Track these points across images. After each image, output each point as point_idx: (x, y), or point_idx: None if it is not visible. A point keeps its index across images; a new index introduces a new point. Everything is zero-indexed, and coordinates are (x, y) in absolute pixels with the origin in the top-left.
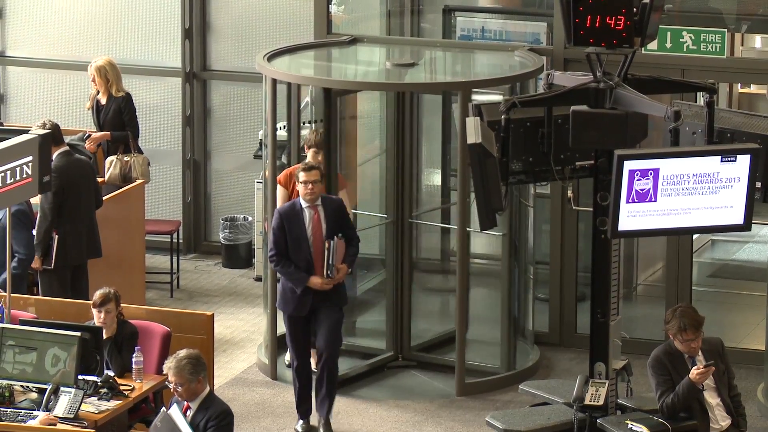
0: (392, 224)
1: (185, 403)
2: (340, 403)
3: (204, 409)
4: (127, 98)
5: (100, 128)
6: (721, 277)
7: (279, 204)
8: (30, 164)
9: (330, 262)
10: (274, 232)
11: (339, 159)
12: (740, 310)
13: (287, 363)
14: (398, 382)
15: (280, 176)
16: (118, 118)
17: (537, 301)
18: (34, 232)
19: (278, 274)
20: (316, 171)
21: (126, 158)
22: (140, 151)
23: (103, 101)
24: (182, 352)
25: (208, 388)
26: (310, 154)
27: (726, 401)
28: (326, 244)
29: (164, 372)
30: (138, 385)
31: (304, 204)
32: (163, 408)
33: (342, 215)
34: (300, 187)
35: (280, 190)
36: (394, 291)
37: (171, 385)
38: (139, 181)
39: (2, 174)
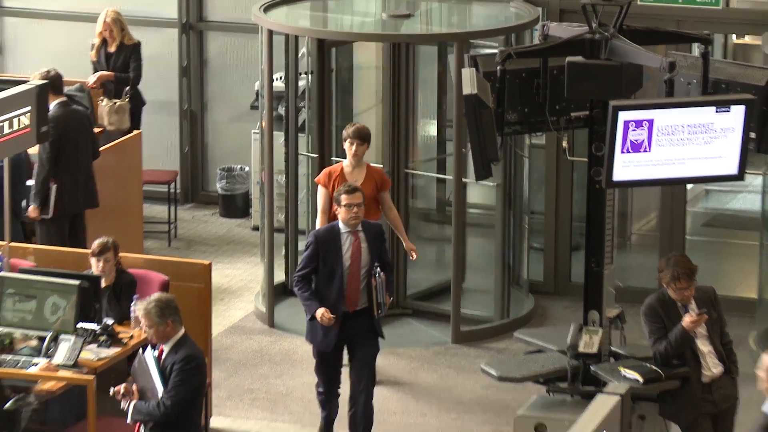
0: (388, 174)
1: (160, 346)
2: None
3: (174, 352)
4: (138, 46)
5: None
6: (714, 227)
7: (320, 205)
8: (28, 114)
9: (380, 300)
10: (306, 255)
11: (336, 110)
12: (733, 259)
13: (317, 391)
14: (394, 330)
15: (320, 176)
16: (128, 67)
17: (532, 251)
18: (31, 182)
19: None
20: (359, 193)
21: (114, 102)
22: (139, 100)
23: (113, 49)
24: (154, 296)
25: (181, 332)
26: (349, 147)
27: (718, 349)
28: (374, 283)
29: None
30: (136, 333)
31: (343, 228)
32: (140, 349)
33: (382, 241)
34: (342, 211)
35: (320, 191)
36: (392, 240)
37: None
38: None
39: (0, 124)
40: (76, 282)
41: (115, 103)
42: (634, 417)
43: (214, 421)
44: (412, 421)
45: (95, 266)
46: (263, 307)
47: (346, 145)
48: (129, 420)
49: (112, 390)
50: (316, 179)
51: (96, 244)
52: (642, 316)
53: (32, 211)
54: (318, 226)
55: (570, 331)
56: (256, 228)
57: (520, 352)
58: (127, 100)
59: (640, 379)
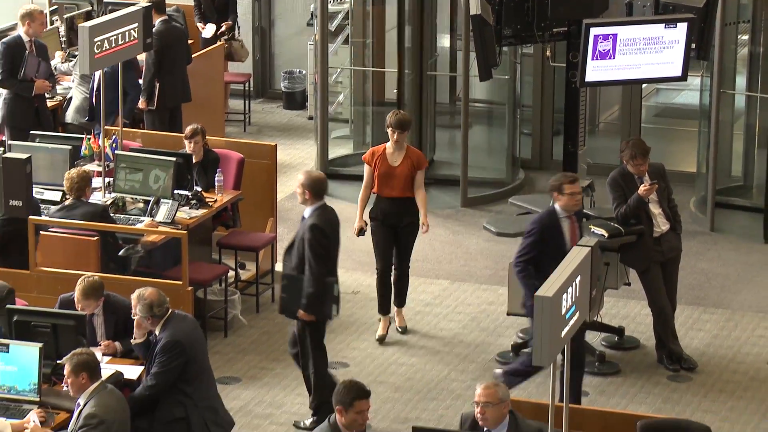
0: (416, 77)
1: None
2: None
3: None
4: None
5: (215, 9)
6: (664, 117)
7: (364, 180)
8: (135, 29)
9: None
10: (530, 241)
11: (372, 29)
12: (677, 141)
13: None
14: None
15: (366, 155)
16: (227, 6)
17: (522, 135)
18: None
19: None
20: (578, 183)
21: (234, 41)
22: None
23: None
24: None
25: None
26: (390, 134)
27: (666, 211)
28: None
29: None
30: (219, 198)
31: (561, 213)
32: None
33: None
34: (564, 198)
35: (366, 168)
36: (417, 126)
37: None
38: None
39: (115, 36)
40: (173, 158)
41: (241, 43)
42: (601, 263)
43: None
44: (430, 267)
45: (188, 146)
46: None
47: (389, 132)
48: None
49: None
50: (363, 157)
51: (188, 129)
52: (607, 186)
53: (141, 103)
54: (359, 198)
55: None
56: (310, 117)
57: (514, 214)
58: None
59: (606, 234)
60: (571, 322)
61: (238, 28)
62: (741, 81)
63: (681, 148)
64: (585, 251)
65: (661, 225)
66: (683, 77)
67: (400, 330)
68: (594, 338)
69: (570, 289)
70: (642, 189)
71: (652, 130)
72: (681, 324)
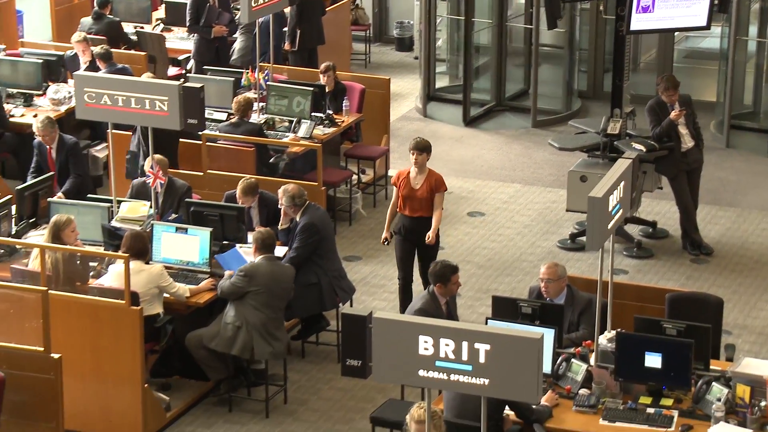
0: (496, 26)
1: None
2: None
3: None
4: None
5: None
6: (691, 58)
7: (393, 199)
8: None
9: None
10: None
11: None
12: (701, 77)
13: None
14: (497, 120)
15: (393, 178)
16: None
17: (579, 72)
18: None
19: None
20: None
21: (359, 9)
22: None
23: None
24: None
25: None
26: (411, 157)
27: (691, 131)
28: None
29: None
30: (345, 119)
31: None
32: None
33: None
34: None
35: (394, 189)
36: (497, 64)
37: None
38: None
39: None
40: (311, 88)
41: (364, 11)
42: (639, 172)
43: (391, 172)
44: (506, 173)
45: (322, 79)
46: (420, 104)
47: (410, 155)
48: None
49: None
50: (392, 180)
51: (323, 65)
52: (645, 112)
53: (286, 45)
54: (387, 213)
55: (602, 121)
56: (416, 57)
57: (572, 133)
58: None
59: (644, 149)
60: (616, 217)
61: None
62: (753, 29)
63: (704, 82)
64: (627, 162)
65: (688, 142)
66: (707, 27)
67: None
68: (633, 229)
69: (615, 192)
70: (673, 114)
71: (682, 68)
72: (701, 219)
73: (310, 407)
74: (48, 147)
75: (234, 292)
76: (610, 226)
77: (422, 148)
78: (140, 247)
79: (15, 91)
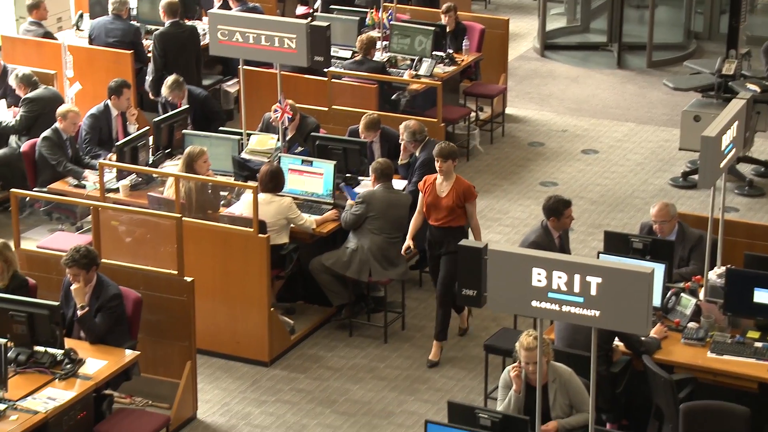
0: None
1: None
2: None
3: None
4: None
5: None
6: None
7: (418, 206)
8: None
9: None
10: None
11: None
12: None
13: None
14: (610, 57)
15: (420, 183)
16: None
17: (696, 14)
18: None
19: None
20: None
21: None
22: None
23: None
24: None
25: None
26: (436, 164)
27: None
28: None
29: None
30: (465, 58)
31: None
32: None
33: None
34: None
35: (420, 195)
36: (614, 4)
37: None
38: None
39: None
40: (432, 28)
41: None
42: (753, 112)
43: (510, 110)
44: (621, 112)
45: (443, 19)
46: (538, 44)
47: (435, 163)
48: None
49: None
50: (418, 185)
51: (444, 6)
52: (761, 53)
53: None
54: (412, 220)
55: (717, 62)
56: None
57: (687, 74)
58: None
59: (758, 89)
60: (729, 156)
61: None
62: None
63: None
64: (741, 102)
65: None
66: None
67: (459, 332)
68: (745, 168)
69: (729, 131)
70: None
71: None
72: None
73: (426, 334)
74: (178, 102)
75: (355, 222)
76: (722, 164)
77: (446, 155)
78: (275, 183)
79: (153, 27)
